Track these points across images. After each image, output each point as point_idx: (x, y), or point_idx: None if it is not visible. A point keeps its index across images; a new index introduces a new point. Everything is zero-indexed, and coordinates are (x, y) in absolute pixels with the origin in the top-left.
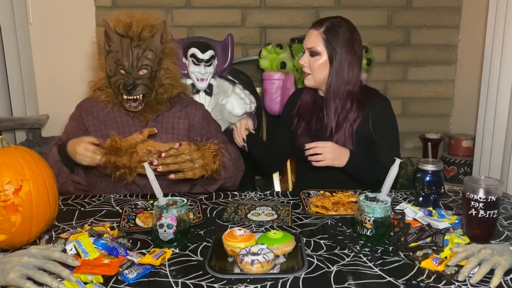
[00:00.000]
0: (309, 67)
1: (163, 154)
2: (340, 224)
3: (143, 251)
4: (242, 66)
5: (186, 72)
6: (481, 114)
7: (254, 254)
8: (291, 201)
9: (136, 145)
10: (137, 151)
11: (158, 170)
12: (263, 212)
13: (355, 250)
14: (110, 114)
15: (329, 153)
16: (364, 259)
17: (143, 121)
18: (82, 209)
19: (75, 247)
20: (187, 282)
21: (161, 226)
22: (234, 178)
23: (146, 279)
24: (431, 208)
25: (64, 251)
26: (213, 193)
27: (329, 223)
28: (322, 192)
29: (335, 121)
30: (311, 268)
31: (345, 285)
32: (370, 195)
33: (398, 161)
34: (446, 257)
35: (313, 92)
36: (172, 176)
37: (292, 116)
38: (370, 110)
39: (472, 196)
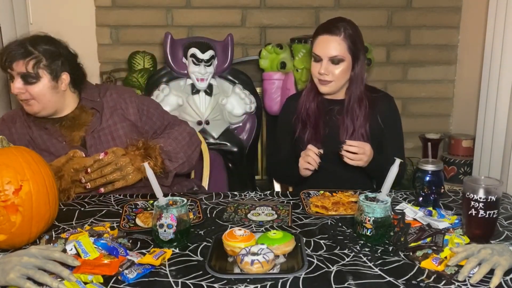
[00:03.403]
0: (332, 75)
1: (89, 170)
2: (340, 224)
3: (143, 251)
4: (242, 66)
5: (186, 72)
6: (481, 114)
7: (254, 254)
8: (291, 201)
9: (62, 167)
10: (64, 173)
11: (88, 187)
12: (263, 212)
13: (355, 250)
14: (40, 138)
15: (365, 156)
16: (364, 259)
17: (74, 142)
18: (82, 209)
19: (75, 247)
20: (187, 282)
21: (161, 226)
22: (188, 162)
23: (146, 279)
24: (431, 208)
25: (64, 251)
26: (213, 193)
27: (329, 223)
28: (322, 192)
29: (356, 123)
30: (311, 268)
31: (345, 285)
32: (370, 195)
33: (398, 161)
34: (446, 257)
35: (315, 96)
36: (102, 190)
37: (294, 123)
38: (377, 107)
39: (472, 196)
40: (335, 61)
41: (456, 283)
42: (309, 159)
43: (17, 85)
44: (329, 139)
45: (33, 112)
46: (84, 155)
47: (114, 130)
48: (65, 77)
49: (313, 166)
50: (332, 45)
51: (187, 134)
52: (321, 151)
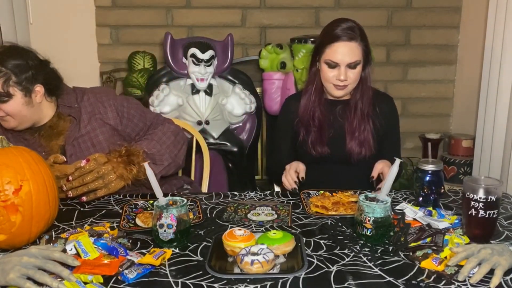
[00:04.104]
0: (349, 79)
1: (70, 178)
2: (340, 224)
3: (143, 251)
4: (242, 66)
5: (186, 72)
6: (481, 114)
7: (254, 254)
8: (291, 201)
9: None
10: None
11: (69, 196)
12: (263, 212)
13: (355, 250)
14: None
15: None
16: (364, 259)
17: (53, 152)
18: (82, 209)
19: (75, 247)
20: (187, 282)
21: (161, 226)
22: (174, 162)
23: (146, 279)
24: (431, 208)
25: (64, 251)
26: (213, 193)
27: (329, 223)
28: (322, 192)
29: (363, 121)
30: (311, 268)
31: (345, 285)
32: (370, 195)
33: (398, 161)
34: (446, 257)
35: (318, 98)
36: (84, 198)
37: (296, 125)
38: (379, 107)
39: (472, 196)
40: (352, 65)
41: (456, 283)
42: (284, 180)
43: None
44: (334, 140)
45: (10, 127)
46: (65, 159)
47: (93, 136)
48: (39, 89)
49: (288, 187)
50: (351, 52)
51: (171, 133)
52: (303, 178)
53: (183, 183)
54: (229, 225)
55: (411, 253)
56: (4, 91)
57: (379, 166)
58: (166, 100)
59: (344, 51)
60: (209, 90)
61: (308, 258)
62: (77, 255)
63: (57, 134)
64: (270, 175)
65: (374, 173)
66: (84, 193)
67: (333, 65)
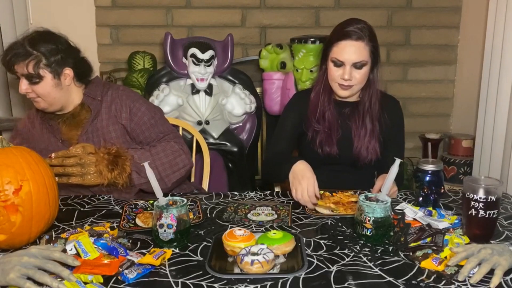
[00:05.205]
0: (354, 79)
1: (53, 155)
2: (340, 224)
3: (143, 251)
4: (242, 66)
5: (186, 72)
6: (481, 114)
7: (254, 254)
8: (291, 201)
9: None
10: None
11: None
12: (263, 212)
13: (355, 250)
14: (41, 135)
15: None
16: (364, 259)
17: (72, 140)
18: (82, 209)
19: (75, 247)
20: (187, 282)
21: (161, 226)
22: (162, 182)
23: (146, 279)
24: (431, 208)
25: (64, 251)
26: (213, 193)
27: (329, 223)
28: (322, 192)
29: (370, 125)
30: (311, 268)
31: (345, 285)
32: (370, 195)
33: (398, 161)
34: (446, 257)
35: (328, 98)
36: (56, 179)
37: (305, 123)
38: (386, 109)
39: (472, 196)
40: (358, 65)
41: (456, 283)
42: (300, 196)
43: (23, 86)
44: (342, 142)
45: (41, 108)
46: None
47: (106, 132)
48: (68, 72)
49: (307, 204)
50: (357, 51)
51: (172, 152)
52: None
53: (193, 189)
54: (229, 225)
55: (411, 253)
56: (35, 73)
57: (380, 183)
58: (166, 100)
59: (350, 50)
60: (209, 90)
61: (308, 258)
62: (77, 255)
63: (77, 124)
64: (267, 171)
65: (374, 192)
66: (59, 174)
67: (338, 64)
